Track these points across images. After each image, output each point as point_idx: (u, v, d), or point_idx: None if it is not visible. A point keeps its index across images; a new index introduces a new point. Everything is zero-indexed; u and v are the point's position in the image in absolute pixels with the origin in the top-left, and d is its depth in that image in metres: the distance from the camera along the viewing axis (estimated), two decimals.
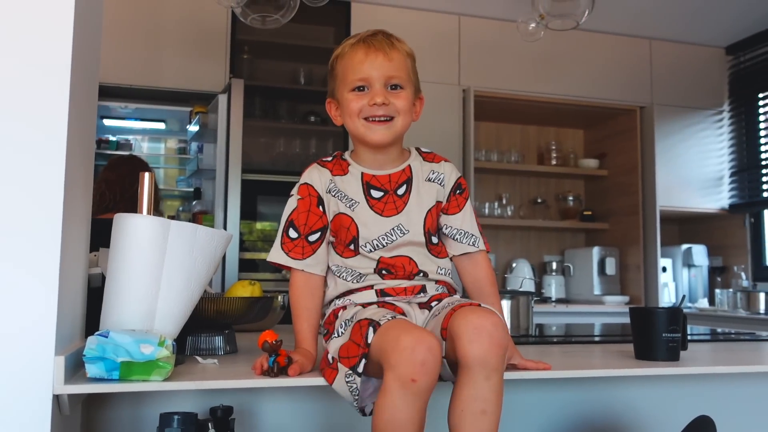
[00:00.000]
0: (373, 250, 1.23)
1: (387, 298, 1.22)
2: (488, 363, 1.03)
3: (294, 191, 1.28)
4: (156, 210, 2.83)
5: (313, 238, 1.25)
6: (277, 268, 1.32)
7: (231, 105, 3.38)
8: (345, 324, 1.17)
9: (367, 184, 1.27)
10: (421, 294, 1.24)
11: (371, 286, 1.23)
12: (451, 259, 1.33)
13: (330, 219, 1.26)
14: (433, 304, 1.23)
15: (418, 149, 1.34)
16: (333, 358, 1.13)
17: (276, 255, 1.25)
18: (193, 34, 3.58)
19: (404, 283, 1.23)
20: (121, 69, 3.45)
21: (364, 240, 1.23)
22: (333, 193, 1.26)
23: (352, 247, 1.24)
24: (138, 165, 2.80)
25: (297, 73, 3.84)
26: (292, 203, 1.27)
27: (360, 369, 1.07)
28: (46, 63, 1.03)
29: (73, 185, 1.09)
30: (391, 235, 1.24)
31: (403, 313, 1.20)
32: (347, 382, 1.08)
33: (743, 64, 4.40)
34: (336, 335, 1.17)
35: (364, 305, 1.21)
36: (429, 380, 1.01)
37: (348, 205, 1.25)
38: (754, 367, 1.38)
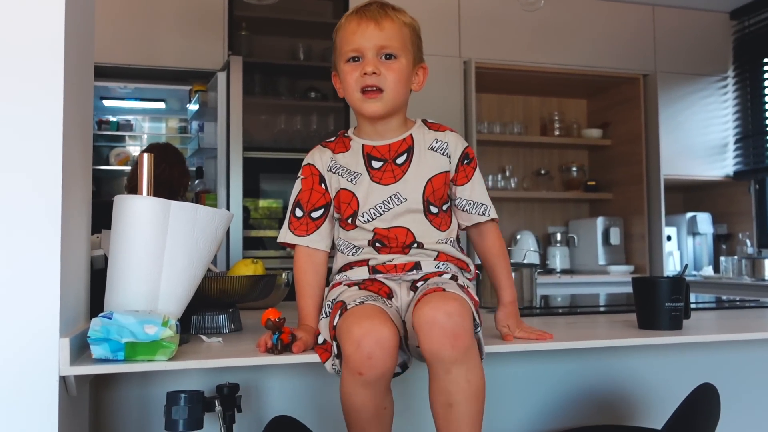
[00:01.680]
0: (370, 219, 1.24)
1: (378, 276, 1.23)
2: (443, 357, 1.03)
3: (299, 174, 1.31)
4: (182, 196, 2.87)
5: (316, 214, 1.27)
6: (283, 246, 1.35)
7: (230, 83, 3.36)
8: (331, 304, 1.18)
9: (368, 156, 1.27)
10: (414, 271, 1.23)
11: (366, 262, 1.24)
12: (464, 229, 1.33)
13: (333, 196, 1.28)
14: (419, 284, 1.21)
15: (424, 120, 1.33)
16: (325, 339, 1.15)
17: (284, 235, 1.29)
18: (190, 11, 3.54)
19: (397, 259, 1.23)
20: (119, 48, 3.43)
21: (363, 210, 1.25)
22: (334, 170, 1.28)
23: (350, 220, 1.26)
24: (171, 152, 2.85)
25: (296, 48, 3.80)
26: (297, 185, 1.30)
27: (336, 351, 1.10)
28: (38, 42, 1.02)
29: (72, 166, 1.08)
30: (389, 203, 1.24)
31: (390, 293, 1.21)
32: (332, 366, 1.12)
33: (748, 28, 4.33)
34: (324, 315, 1.19)
35: (350, 284, 1.23)
36: (377, 372, 1.03)
37: (350, 179, 1.26)
38: (754, 335, 1.38)
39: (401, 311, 1.19)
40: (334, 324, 1.10)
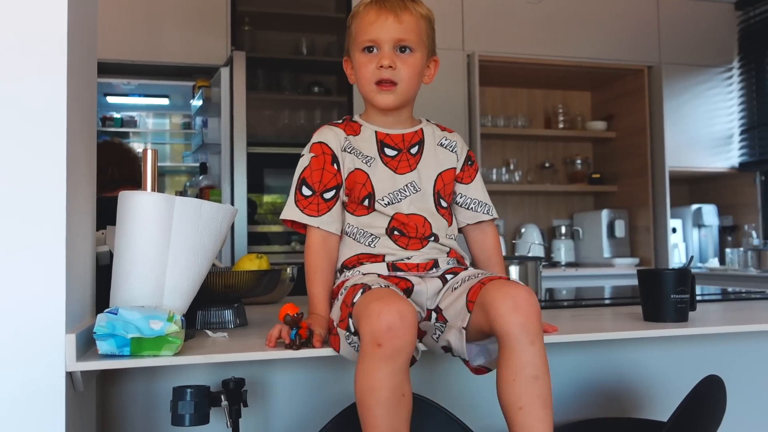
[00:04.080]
0: (390, 203, 1.24)
1: (399, 273, 1.21)
2: (530, 329, 1.03)
3: (305, 150, 1.28)
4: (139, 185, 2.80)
5: (328, 195, 1.24)
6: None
7: (233, 78, 3.36)
8: (345, 291, 1.17)
9: (381, 143, 1.28)
10: (434, 270, 1.23)
11: (383, 257, 1.22)
12: (460, 229, 1.35)
13: (345, 176, 1.25)
14: (447, 276, 1.22)
15: (427, 120, 1.36)
16: (336, 325, 1.14)
17: (290, 212, 1.24)
18: (193, 6, 3.54)
19: (416, 257, 1.23)
20: (122, 45, 3.43)
21: (381, 195, 1.24)
22: (348, 150, 1.26)
23: (366, 203, 1.24)
24: (110, 150, 2.77)
25: (299, 43, 3.80)
26: (304, 161, 1.26)
27: (352, 329, 1.07)
28: (42, 38, 1.02)
29: (76, 163, 1.08)
30: (405, 191, 1.25)
31: (412, 287, 1.20)
32: (350, 344, 1.09)
33: (753, 19, 4.31)
34: (336, 301, 1.18)
35: (368, 275, 1.21)
36: (397, 344, 0.99)
37: (364, 161, 1.26)
38: (760, 326, 1.38)
39: (425, 303, 1.19)
40: (354, 301, 1.07)
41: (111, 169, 2.55)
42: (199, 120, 3.98)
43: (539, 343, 1.04)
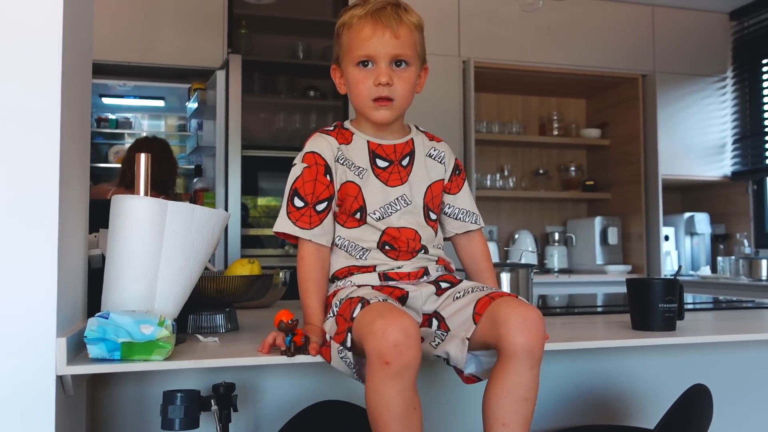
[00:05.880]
0: (381, 217, 1.23)
1: (390, 282, 1.22)
2: (534, 353, 1.05)
3: (298, 160, 1.26)
4: (172, 188, 2.87)
5: (320, 207, 1.23)
6: (281, 243, 1.33)
7: (229, 81, 3.37)
8: (339, 303, 1.17)
9: (373, 153, 1.27)
10: (425, 277, 1.24)
11: (374, 267, 1.22)
12: (448, 238, 1.36)
13: (337, 188, 1.24)
14: (441, 283, 1.23)
15: (416, 126, 1.35)
16: (330, 337, 1.14)
17: (282, 224, 1.23)
18: (190, 9, 3.54)
19: (406, 266, 1.23)
20: (119, 46, 3.43)
21: (372, 208, 1.23)
22: (341, 161, 1.25)
23: (357, 216, 1.24)
24: (163, 147, 2.83)
25: (295, 47, 3.81)
26: (296, 171, 1.24)
27: (348, 344, 1.07)
28: (36, 38, 1.02)
29: (69, 164, 1.09)
30: (396, 204, 1.25)
31: (406, 295, 1.20)
32: (341, 358, 1.09)
33: (747, 29, 4.34)
34: (331, 314, 1.17)
35: (362, 287, 1.21)
36: (404, 360, 0.99)
37: (356, 173, 1.25)
38: (746, 336, 1.39)
39: (420, 308, 1.20)
40: (353, 315, 1.07)
41: (161, 167, 2.61)
42: (194, 122, 3.99)
43: (537, 368, 1.06)
